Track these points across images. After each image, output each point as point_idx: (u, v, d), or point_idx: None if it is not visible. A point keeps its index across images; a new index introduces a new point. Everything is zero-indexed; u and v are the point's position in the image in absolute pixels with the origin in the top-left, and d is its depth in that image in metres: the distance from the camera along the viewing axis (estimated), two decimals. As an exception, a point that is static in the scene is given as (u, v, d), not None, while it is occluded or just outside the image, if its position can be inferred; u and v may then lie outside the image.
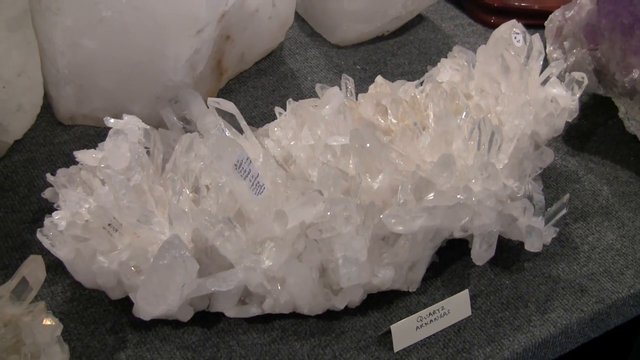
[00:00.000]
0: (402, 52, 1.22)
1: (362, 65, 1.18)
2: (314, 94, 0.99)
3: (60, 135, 1.04)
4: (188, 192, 0.84)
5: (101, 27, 0.96)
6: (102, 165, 0.82)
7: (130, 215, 0.80)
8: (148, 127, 0.87)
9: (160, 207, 0.82)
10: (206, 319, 0.84)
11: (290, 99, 0.95)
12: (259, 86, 1.13)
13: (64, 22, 0.96)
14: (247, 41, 1.10)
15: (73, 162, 0.90)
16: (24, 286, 0.73)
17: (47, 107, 1.05)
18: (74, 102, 1.03)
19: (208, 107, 0.89)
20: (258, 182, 0.82)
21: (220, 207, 0.82)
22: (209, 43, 1.00)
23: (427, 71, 1.03)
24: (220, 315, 0.84)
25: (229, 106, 0.88)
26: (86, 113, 1.04)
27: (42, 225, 0.82)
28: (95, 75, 1.00)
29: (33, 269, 0.73)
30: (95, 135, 1.03)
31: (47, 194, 0.87)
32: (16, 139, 1.00)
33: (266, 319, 0.84)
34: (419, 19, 1.28)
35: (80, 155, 0.86)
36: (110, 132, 0.85)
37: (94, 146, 0.90)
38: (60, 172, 0.87)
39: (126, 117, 0.86)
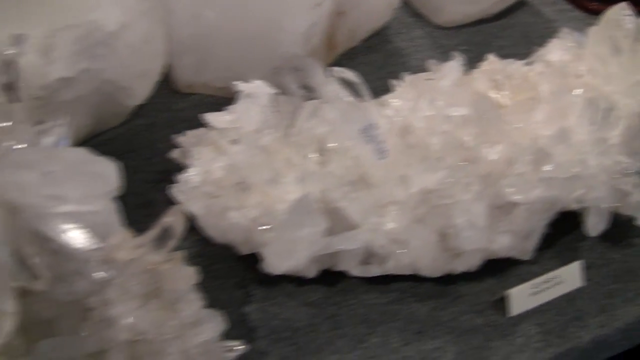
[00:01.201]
0: (504, 34, 1.25)
1: (466, 46, 1.20)
2: (420, 71, 1.02)
3: (178, 103, 1.08)
4: (314, 155, 0.87)
5: (225, -1, 1.01)
6: (234, 126, 0.86)
7: (261, 174, 0.84)
8: (277, 92, 0.90)
9: (288, 168, 0.86)
10: (328, 277, 0.87)
11: (406, 73, 0.98)
12: (367, 62, 1.16)
13: (190, -6, 1.01)
14: (357, 18, 1.13)
15: (192, 127, 0.95)
16: (165, 235, 0.77)
17: (165, 76, 1.09)
18: (192, 71, 1.07)
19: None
20: (382, 148, 0.85)
21: (345, 170, 0.86)
22: (325, 17, 1.04)
23: (531, 53, 1.06)
24: (341, 275, 0.87)
25: (351, 75, 0.92)
26: (203, 82, 1.08)
27: (165, 185, 0.87)
28: (215, 45, 1.04)
29: (174, 220, 0.77)
30: (211, 103, 1.07)
31: (176, 153, 0.91)
32: (138, 104, 1.04)
33: (385, 281, 0.88)
34: (520, 4, 1.31)
35: (210, 117, 0.90)
36: (241, 94, 0.89)
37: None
38: (190, 133, 0.92)
39: (255, 82, 0.90)
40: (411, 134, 0.91)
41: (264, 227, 0.82)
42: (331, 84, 0.91)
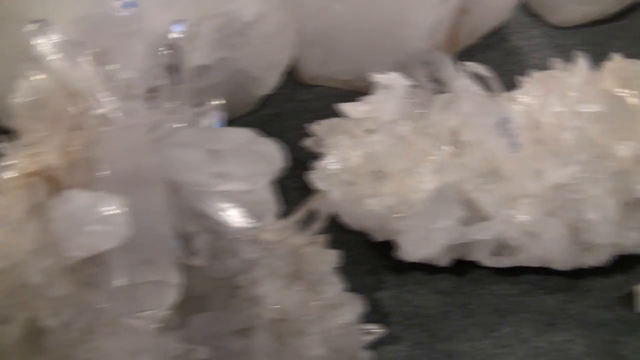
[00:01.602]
0: (623, 35, 1.24)
1: (584, 46, 1.19)
2: (535, 69, 1.01)
3: (303, 94, 1.10)
4: (447, 147, 0.87)
5: (354, -8, 1.02)
6: (370, 116, 0.87)
7: (399, 163, 0.84)
8: (414, 84, 0.91)
9: (423, 159, 0.86)
10: (457, 267, 0.87)
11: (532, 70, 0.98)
12: (485, 60, 1.14)
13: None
14: (478, 16, 1.13)
15: (318, 118, 0.96)
16: (310, 218, 0.78)
17: (290, 67, 1.10)
18: (319, 63, 1.08)
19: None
20: (515, 142, 0.86)
21: (479, 163, 0.86)
22: (450, 14, 1.05)
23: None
24: (470, 265, 0.87)
25: (482, 69, 0.92)
26: (328, 74, 1.09)
27: (295, 173, 0.88)
28: (342, 38, 1.05)
29: (320, 204, 0.78)
30: (335, 95, 1.08)
31: (309, 142, 0.92)
32: (266, 94, 1.05)
33: (514, 272, 0.88)
34: (638, 5, 1.29)
35: (345, 107, 0.91)
36: (378, 86, 0.90)
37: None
38: (323, 122, 0.93)
39: (391, 74, 0.91)
40: (540, 130, 0.91)
41: (400, 215, 0.83)
42: (462, 78, 0.91)
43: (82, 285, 0.69)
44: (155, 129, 0.67)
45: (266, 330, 0.73)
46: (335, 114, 0.97)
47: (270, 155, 0.65)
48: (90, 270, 0.68)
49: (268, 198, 0.69)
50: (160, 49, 0.70)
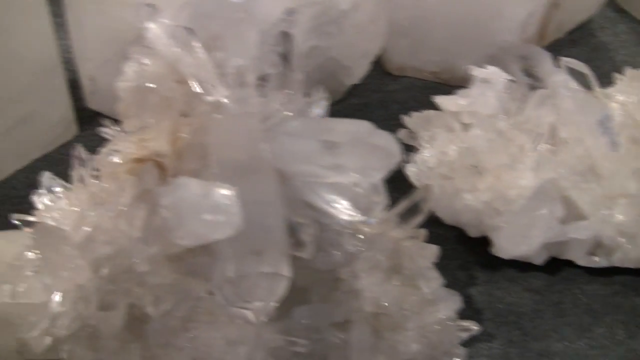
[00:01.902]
0: None
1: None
2: (625, 65, 0.99)
3: (390, 84, 1.08)
4: (545, 144, 0.85)
5: (446, -17, 1.00)
6: (469, 110, 0.85)
7: (497, 158, 0.82)
8: (512, 79, 0.88)
9: (522, 154, 0.84)
10: (548, 264, 0.85)
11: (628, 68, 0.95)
12: (572, 55, 1.12)
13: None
14: (568, 10, 1.11)
15: (404, 109, 0.94)
16: (412, 212, 0.76)
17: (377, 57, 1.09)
18: (407, 53, 1.07)
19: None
20: (615, 140, 0.83)
21: (577, 160, 0.84)
22: (542, 7, 1.02)
23: None
24: (561, 263, 0.85)
25: (580, 66, 0.89)
26: (416, 65, 1.08)
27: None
28: (432, 29, 1.04)
29: (422, 198, 0.76)
30: (422, 87, 1.07)
31: (402, 134, 0.91)
32: (354, 83, 1.04)
33: (606, 272, 0.86)
34: None
35: (442, 100, 0.90)
36: (477, 79, 0.88)
37: (424, 97, 0.93)
38: (415, 115, 0.91)
39: (490, 67, 0.89)
40: (638, 128, 0.88)
41: (498, 211, 0.81)
42: (560, 74, 0.89)
43: (185, 273, 0.68)
44: (267, 118, 0.66)
45: (365, 323, 0.71)
46: (422, 106, 0.95)
47: (387, 149, 0.63)
48: (195, 258, 0.68)
49: (378, 191, 0.68)
50: (272, 36, 0.69)
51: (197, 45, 0.66)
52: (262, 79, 0.68)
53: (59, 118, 0.96)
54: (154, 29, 0.69)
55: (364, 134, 0.63)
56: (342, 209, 0.65)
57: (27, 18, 0.86)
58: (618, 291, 0.85)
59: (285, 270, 0.62)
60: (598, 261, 0.84)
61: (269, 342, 0.68)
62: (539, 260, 0.83)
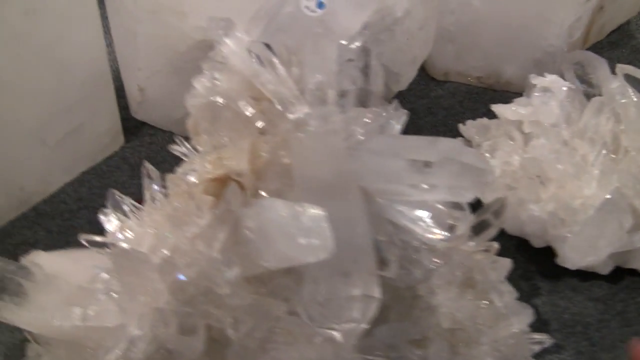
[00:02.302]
0: None
1: None
2: None
3: (435, 90, 1.06)
4: (606, 152, 0.84)
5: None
6: (532, 120, 0.83)
7: (562, 168, 0.81)
8: (573, 87, 0.87)
9: (585, 164, 0.83)
10: (611, 273, 0.84)
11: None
12: (613, 58, 1.12)
13: (461, -18, 0.98)
14: (611, 13, 1.09)
15: (451, 115, 0.92)
16: (485, 225, 0.74)
17: (420, 62, 1.07)
18: (452, 58, 1.05)
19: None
20: (679, 149, 0.82)
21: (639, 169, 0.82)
22: (590, 11, 1.00)
23: None
24: (625, 272, 0.84)
25: (637, 72, 0.88)
26: (461, 70, 1.06)
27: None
28: (478, 34, 1.02)
29: (495, 210, 0.74)
30: (467, 92, 1.05)
31: (458, 142, 0.89)
32: (401, 90, 1.02)
33: (670, 281, 0.84)
34: None
35: (501, 109, 0.88)
36: (537, 88, 0.86)
37: (470, 102, 0.91)
38: (470, 123, 0.89)
39: (551, 76, 0.87)
40: None
41: (563, 221, 0.79)
42: (616, 80, 0.87)
43: (264, 294, 0.66)
44: (350, 135, 0.64)
45: (442, 340, 0.70)
46: (469, 112, 0.94)
47: (479, 168, 0.61)
48: (276, 279, 0.66)
49: (461, 207, 0.66)
50: (350, 51, 0.67)
51: (276, 61, 0.64)
52: (342, 95, 0.66)
53: (106, 129, 0.94)
54: (230, 44, 0.67)
55: (454, 152, 0.61)
56: (426, 227, 0.63)
57: (80, 27, 0.84)
58: (682, 299, 0.83)
59: (376, 292, 0.61)
60: (663, 270, 0.83)
61: (349, 361, 0.66)
62: (605, 270, 0.82)
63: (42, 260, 0.73)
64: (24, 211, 0.88)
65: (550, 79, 0.86)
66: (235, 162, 0.65)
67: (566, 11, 0.98)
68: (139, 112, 0.96)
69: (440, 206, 0.64)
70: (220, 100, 0.68)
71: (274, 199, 0.61)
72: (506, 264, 0.74)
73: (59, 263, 0.73)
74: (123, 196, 0.72)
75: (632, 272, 0.84)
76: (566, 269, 0.83)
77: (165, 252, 0.65)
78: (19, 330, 0.69)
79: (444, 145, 0.62)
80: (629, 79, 0.88)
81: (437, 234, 0.63)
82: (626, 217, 0.78)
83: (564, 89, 0.85)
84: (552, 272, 0.84)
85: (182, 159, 0.91)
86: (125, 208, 0.72)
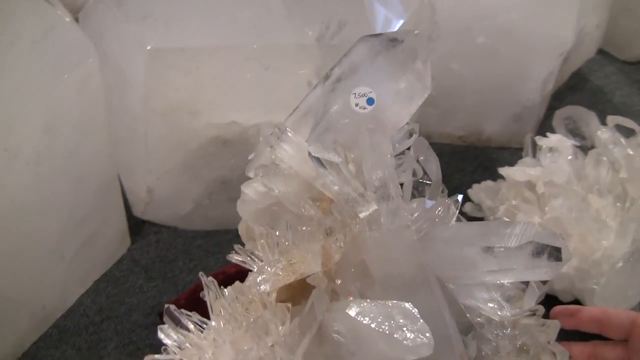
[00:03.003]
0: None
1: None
2: (624, 107, 1.01)
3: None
4: (619, 204, 0.87)
5: (473, 52, 1.00)
6: (546, 180, 0.86)
7: (581, 224, 0.83)
8: (578, 144, 0.90)
9: (601, 216, 0.86)
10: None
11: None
12: (575, 102, 1.16)
13: (439, 49, 1.00)
14: (574, 59, 1.14)
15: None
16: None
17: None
18: (434, 121, 1.07)
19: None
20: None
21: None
22: (559, 64, 1.05)
23: None
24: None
25: (628, 122, 0.91)
26: (443, 132, 1.08)
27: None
28: (459, 96, 1.04)
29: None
30: (450, 152, 1.08)
31: (467, 208, 0.91)
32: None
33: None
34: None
35: (507, 171, 0.90)
36: (544, 149, 0.89)
37: (456, 162, 0.94)
38: (476, 187, 0.92)
39: (555, 135, 0.90)
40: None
41: (589, 274, 0.82)
42: (607, 131, 0.91)
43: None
44: (419, 228, 0.65)
45: (511, 411, 0.71)
46: (456, 172, 0.96)
47: (555, 245, 0.63)
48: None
49: (536, 285, 0.67)
50: (408, 144, 0.68)
51: (338, 161, 0.64)
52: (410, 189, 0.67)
53: (115, 234, 0.91)
54: (288, 149, 0.67)
55: (531, 234, 0.63)
56: (498, 306, 0.65)
57: (91, 138, 0.82)
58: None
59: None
60: (683, 309, 0.86)
61: None
62: (634, 312, 0.85)
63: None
64: (46, 330, 0.85)
65: (556, 138, 0.89)
66: (306, 265, 0.65)
67: (541, 67, 1.02)
68: (145, 213, 0.94)
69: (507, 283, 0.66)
70: (279, 203, 0.68)
71: (360, 300, 0.61)
72: (555, 325, 0.76)
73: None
74: (182, 311, 0.71)
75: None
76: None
77: (253, 365, 0.64)
78: None
79: (521, 229, 0.63)
80: (620, 128, 0.91)
81: (508, 310, 0.64)
82: (649, 265, 0.81)
83: (569, 146, 0.88)
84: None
85: (192, 255, 0.90)
86: (186, 322, 0.70)
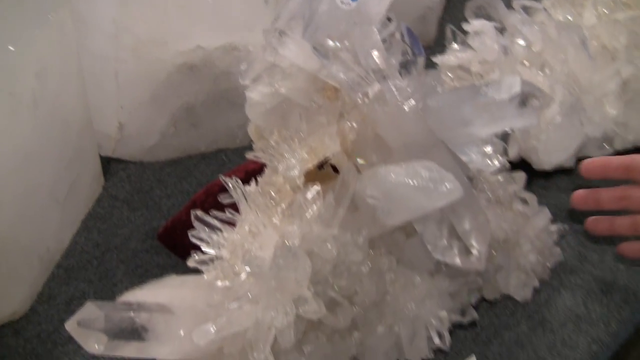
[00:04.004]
0: None
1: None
2: None
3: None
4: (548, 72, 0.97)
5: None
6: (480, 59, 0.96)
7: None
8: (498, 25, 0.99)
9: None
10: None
11: None
12: None
13: None
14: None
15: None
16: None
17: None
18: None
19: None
20: (590, 53, 0.98)
21: (566, 78, 0.97)
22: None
23: None
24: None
25: (532, 3, 1.02)
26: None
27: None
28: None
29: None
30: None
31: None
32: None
33: None
34: None
35: (440, 59, 0.98)
36: (471, 34, 0.98)
37: None
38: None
39: (478, 21, 0.98)
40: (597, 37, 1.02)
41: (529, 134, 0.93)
42: (517, 14, 1.00)
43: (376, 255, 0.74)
44: (419, 98, 0.72)
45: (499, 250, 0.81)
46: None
47: (537, 94, 0.72)
48: (388, 237, 0.74)
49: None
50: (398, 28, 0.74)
51: (341, 52, 0.71)
52: (402, 66, 0.74)
53: (93, 174, 0.95)
54: (292, 49, 0.73)
55: (514, 88, 0.72)
56: (489, 159, 0.74)
57: (71, 84, 0.85)
58: None
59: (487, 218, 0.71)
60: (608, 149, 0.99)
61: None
62: (570, 164, 0.97)
63: (143, 296, 0.73)
64: (52, 271, 0.88)
65: (480, 23, 0.98)
66: (325, 147, 0.72)
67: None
68: (116, 151, 0.98)
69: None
70: (288, 99, 0.74)
71: (386, 166, 0.69)
72: (521, 176, 0.86)
73: (161, 294, 0.75)
74: (205, 214, 0.74)
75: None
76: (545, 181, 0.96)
77: (295, 242, 0.70)
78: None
79: (504, 85, 0.72)
80: (525, 8, 1.02)
81: (499, 162, 0.74)
82: (582, 113, 0.93)
83: (492, 28, 0.98)
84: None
85: (166, 182, 0.94)
86: (217, 224, 0.74)
